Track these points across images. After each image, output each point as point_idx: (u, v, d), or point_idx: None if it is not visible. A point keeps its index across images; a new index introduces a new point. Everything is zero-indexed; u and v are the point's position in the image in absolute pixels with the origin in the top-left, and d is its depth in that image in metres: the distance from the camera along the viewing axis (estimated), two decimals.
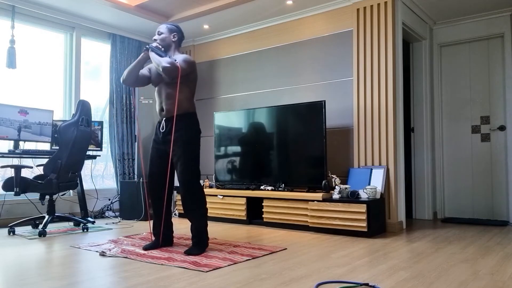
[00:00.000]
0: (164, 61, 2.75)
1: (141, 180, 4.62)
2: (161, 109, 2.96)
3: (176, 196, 4.81)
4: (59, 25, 4.63)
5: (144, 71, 3.04)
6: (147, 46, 2.89)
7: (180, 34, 3.06)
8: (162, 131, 2.94)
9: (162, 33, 2.99)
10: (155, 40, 3.00)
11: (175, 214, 4.85)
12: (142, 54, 2.93)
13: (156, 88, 3.02)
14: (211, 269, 2.32)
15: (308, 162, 3.94)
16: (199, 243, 2.82)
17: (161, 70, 2.76)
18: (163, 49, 2.96)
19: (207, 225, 2.90)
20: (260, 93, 4.82)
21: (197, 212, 2.85)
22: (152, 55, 2.86)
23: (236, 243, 3.10)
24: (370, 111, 3.93)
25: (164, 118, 2.94)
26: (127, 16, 4.64)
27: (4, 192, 3.58)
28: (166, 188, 2.97)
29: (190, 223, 3.14)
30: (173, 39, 3.01)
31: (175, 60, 2.83)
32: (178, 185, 2.91)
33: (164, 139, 2.93)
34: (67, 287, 2.01)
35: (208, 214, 4.45)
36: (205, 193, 4.44)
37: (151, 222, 3.03)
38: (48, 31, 4.62)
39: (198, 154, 2.92)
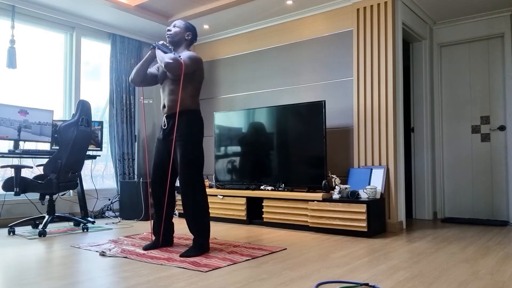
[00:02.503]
0: (167, 57, 2.71)
1: (141, 180, 4.62)
2: (163, 106, 2.92)
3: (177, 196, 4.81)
4: (59, 25, 4.63)
5: (152, 70, 3.02)
6: (154, 44, 2.87)
7: (194, 35, 3.00)
8: (163, 128, 2.91)
9: (178, 27, 2.94)
10: (169, 31, 2.95)
11: (175, 214, 4.85)
12: (149, 53, 2.92)
13: (161, 86, 2.99)
14: (210, 269, 2.33)
15: (308, 162, 3.94)
16: (197, 246, 2.73)
17: (163, 66, 2.72)
18: (171, 47, 2.93)
19: (209, 227, 2.80)
20: (260, 93, 4.82)
21: (197, 213, 2.77)
22: (158, 52, 2.83)
23: (236, 243, 3.10)
24: (370, 111, 3.93)
25: (165, 115, 2.91)
26: (127, 16, 4.64)
27: (4, 192, 3.58)
28: (167, 188, 2.93)
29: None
30: (186, 37, 2.95)
31: (179, 57, 2.77)
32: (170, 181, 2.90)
33: (166, 137, 2.90)
34: (67, 287, 2.01)
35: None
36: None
37: (152, 221, 3.02)
38: (48, 31, 4.62)
39: (199, 153, 2.83)
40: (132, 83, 2.96)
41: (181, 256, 2.65)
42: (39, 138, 4.01)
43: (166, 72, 2.90)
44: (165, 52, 2.83)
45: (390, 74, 3.84)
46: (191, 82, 2.85)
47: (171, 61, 2.70)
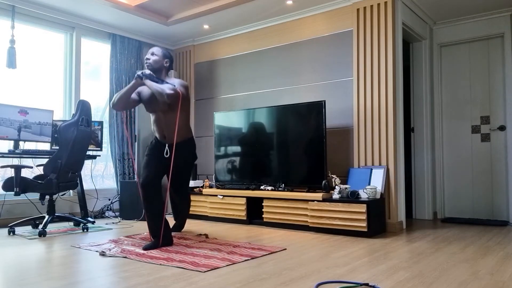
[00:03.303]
0: (167, 89, 2.89)
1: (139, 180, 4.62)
2: (163, 136, 3.13)
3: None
4: (59, 25, 4.63)
5: (133, 95, 3.13)
6: (140, 74, 2.97)
7: (172, 61, 3.23)
8: (167, 156, 3.11)
9: (156, 55, 3.11)
10: (148, 59, 3.10)
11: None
12: (134, 81, 3.00)
13: (153, 116, 3.15)
14: (210, 269, 2.33)
15: (308, 162, 3.94)
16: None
17: (165, 97, 2.87)
18: (154, 75, 3.07)
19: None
20: (260, 93, 4.82)
21: (186, 209, 3.57)
22: (149, 83, 2.95)
23: (236, 243, 3.11)
24: (370, 111, 3.93)
25: (167, 144, 3.12)
26: (127, 16, 4.64)
27: (4, 192, 3.58)
28: (160, 191, 3.08)
29: (177, 221, 3.66)
30: (165, 64, 3.15)
31: (174, 86, 2.97)
32: (170, 188, 3.34)
33: (166, 159, 3.13)
34: (67, 287, 2.01)
35: (208, 214, 4.48)
36: (205, 193, 4.48)
37: (147, 223, 3.05)
38: (48, 31, 4.62)
39: (191, 172, 3.42)
40: (114, 108, 3.08)
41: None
42: (39, 138, 4.02)
43: (156, 102, 3.05)
44: (157, 82, 2.98)
45: (390, 74, 3.84)
46: (185, 109, 3.12)
47: (172, 92, 2.90)
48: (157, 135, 3.17)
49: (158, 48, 3.14)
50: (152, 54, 3.11)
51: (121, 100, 3.03)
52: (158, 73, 3.11)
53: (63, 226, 4.10)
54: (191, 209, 4.58)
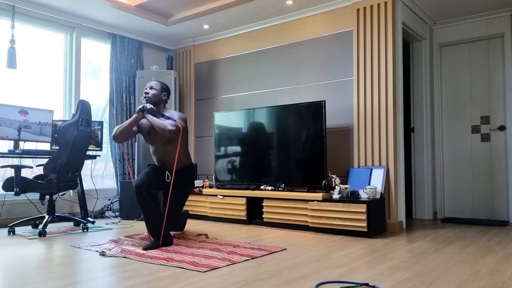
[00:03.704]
0: (169, 125, 3.02)
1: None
2: (163, 164, 3.24)
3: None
4: (59, 25, 4.63)
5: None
6: (142, 108, 3.09)
7: (169, 94, 3.35)
8: (168, 181, 3.19)
9: (155, 89, 3.24)
10: (147, 93, 3.21)
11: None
12: (136, 115, 3.12)
13: (152, 147, 3.27)
14: (210, 269, 2.33)
15: (308, 162, 3.94)
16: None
17: (168, 134, 3.01)
18: (155, 108, 3.19)
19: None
20: (260, 93, 4.82)
21: (182, 222, 3.64)
22: (151, 118, 3.07)
23: (236, 243, 3.11)
24: (370, 111, 3.93)
25: (167, 171, 3.22)
26: (127, 16, 4.64)
27: (4, 192, 3.58)
28: (155, 194, 3.10)
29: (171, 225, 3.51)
30: (163, 98, 3.28)
31: (175, 120, 3.09)
32: (165, 202, 3.30)
33: (167, 182, 3.22)
34: (67, 287, 2.01)
35: (208, 214, 4.48)
36: (205, 193, 4.48)
37: (145, 224, 3.07)
38: (48, 31, 4.62)
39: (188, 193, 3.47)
40: (114, 140, 3.19)
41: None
42: (39, 138, 4.01)
43: (155, 134, 3.18)
44: (157, 117, 3.11)
45: (390, 74, 3.84)
46: (183, 140, 3.22)
47: (174, 128, 3.03)
48: (156, 162, 3.31)
49: (157, 82, 3.28)
50: (151, 88, 3.24)
51: (122, 133, 3.14)
52: (157, 106, 3.24)
53: (63, 226, 4.10)
54: (191, 209, 4.58)
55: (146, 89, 3.24)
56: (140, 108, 3.10)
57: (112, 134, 3.24)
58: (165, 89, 3.30)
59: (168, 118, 3.15)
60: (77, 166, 3.81)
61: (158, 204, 3.08)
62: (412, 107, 4.73)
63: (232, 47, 5.12)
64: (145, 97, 3.22)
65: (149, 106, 3.12)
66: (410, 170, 4.69)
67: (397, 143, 3.84)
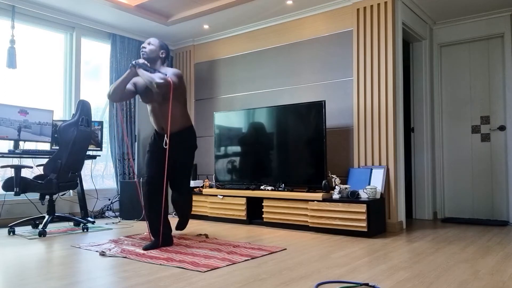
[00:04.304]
0: (157, 77, 2.83)
1: (141, 180, 4.62)
2: (161, 128, 3.08)
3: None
4: (59, 25, 4.63)
5: (129, 86, 3.08)
6: (134, 63, 2.93)
7: (168, 53, 3.16)
8: (165, 147, 3.03)
9: (152, 45, 3.07)
10: (144, 48, 3.06)
11: (175, 214, 4.85)
12: (128, 71, 2.96)
13: (149, 107, 3.10)
14: (209, 269, 2.33)
15: (308, 162, 3.94)
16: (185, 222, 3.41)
17: (155, 86, 2.82)
18: (149, 64, 3.02)
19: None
20: (260, 93, 4.82)
21: (190, 204, 3.43)
22: (141, 71, 2.90)
23: (236, 243, 3.10)
24: (370, 111, 3.93)
25: (165, 135, 3.05)
26: (127, 16, 4.64)
27: (4, 192, 3.58)
28: (164, 189, 3.04)
29: (180, 219, 3.45)
30: (160, 55, 3.09)
31: (166, 75, 2.90)
32: (171, 184, 3.21)
33: (165, 150, 3.05)
34: (67, 287, 2.01)
35: (208, 214, 4.48)
36: (205, 193, 4.48)
37: (147, 223, 3.04)
38: (48, 31, 4.62)
39: (193, 162, 3.24)
40: (110, 99, 3.02)
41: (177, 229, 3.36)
42: (39, 138, 4.01)
43: (151, 92, 3.00)
44: (150, 72, 2.92)
45: (390, 74, 3.84)
46: (179, 99, 3.03)
47: (161, 81, 2.83)
48: (155, 127, 3.12)
49: (155, 39, 3.10)
50: (149, 43, 3.07)
51: (116, 91, 2.96)
52: (153, 63, 3.05)
53: (63, 226, 4.10)
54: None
55: (143, 44, 3.09)
56: (132, 63, 2.93)
57: (106, 93, 3.05)
58: (163, 46, 3.11)
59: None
60: (77, 166, 3.81)
61: (161, 202, 3.04)
62: (412, 107, 4.73)
63: (232, 47, 5.12)
64: (141, 52, 3.06)
65: (141, 61, 2.96)
66: (410, 170, 4.69)
67: (397, 143, 3.84)
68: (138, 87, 3.09)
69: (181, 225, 3.45)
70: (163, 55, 3.10)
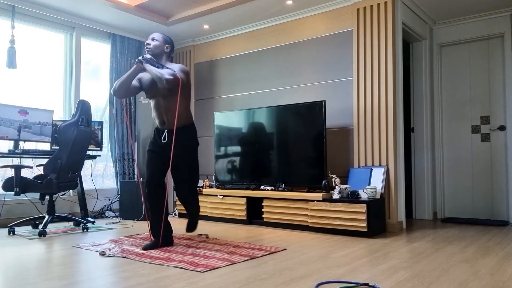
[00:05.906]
0: (166, 74, 2.82)
1: (141, 180, 4.62)
2: (162, 122, 3.04)
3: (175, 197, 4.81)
4: (59, 25, 4.64)
5: (134, 81, 3.06)
6: (141, 58, 2.91)
7: (172, 48, 3.14)
8: (164, 142, 3.00)
9: (157, 40, 3.05)
10: (148, 44, 3.04)
11: (175, 214, 4.85)
12: (135, 66, 2.94)
13: (153, 101, 3.07)
14: (209, 269, 2.33)
15: (308, 162, 3.94)
16: (196, 220, 3.28)
17: (164, 83, 2.80)
18: (156, 60, 3.00)
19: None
20: (260, 93, 4.82)
21: (197, 203, 3.24)
22: (149, 67, 2.89)
23: (236, 243, 3.10)
24: (370, 111, 3.93)
25: (166, 130, 3.02)
26: (127, 16, 4.64)
27: (4, 192, 3.58)
28: (166, 190, 3.03)
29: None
30: (165, 50, 3.07)
31: (174, 71, 2.90)
32: (175, 185, 3.14)
33: (166, 147, 3.01)
34: (67, 287, 2.01)
35: (208, 214, 4.48)
36: (205, 193, 4.48)
37: (148, 223, 3.04)
38: (48, 31, 4.62)
39: (197, 160, 3.17)
40: (115, 95, 3.00)
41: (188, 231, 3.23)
42: (39, 138, 4.02)
43: (156, 87, 2.96)
44: (157, 67, 2.91)
45: (390, 74, 3.84)
46: (185, 95, 3.02)
47: (171, 77, 2.82)
48: (156, 121, 3.09)
49: (159, 34, 3.08)
50: (153, 39, 3.05)
51: (122, 86, 2.94)
52: (159, 59, 3.03)
53: (63, 226, 4.10)
54: None
55: (148, 40, 3.07)
56: (138, 59, 2.90)
57: (111, 89, 3.04)
58: (168, 41, 3.08)
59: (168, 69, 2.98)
60: (77, 166, 3.81)
61: (163, 202, 3.02)
62: (412, 107, 4.73)
63: (232, 47, 5.12)
64: (146, 48, 3.04)
65: (148, 56, 2.95)
66: (410, 170, 4.69)
67: (397, 143, 3.84)
68: (143, 82, 3.07)
69: (189, 226, 3.27)
70: (168, 50, 3.07)
